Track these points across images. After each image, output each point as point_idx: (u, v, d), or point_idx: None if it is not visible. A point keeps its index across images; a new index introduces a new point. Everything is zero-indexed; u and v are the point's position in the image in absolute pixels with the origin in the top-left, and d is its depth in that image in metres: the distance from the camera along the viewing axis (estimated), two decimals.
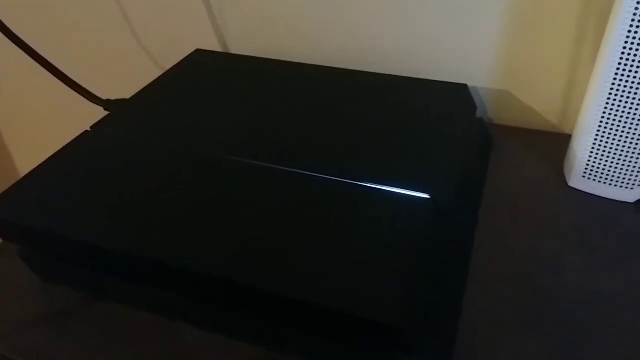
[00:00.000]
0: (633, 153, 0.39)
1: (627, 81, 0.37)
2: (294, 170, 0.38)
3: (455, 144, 0.40)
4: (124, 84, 0.72)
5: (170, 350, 0.33)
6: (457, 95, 0.46)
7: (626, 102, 0.38)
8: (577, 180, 0.43)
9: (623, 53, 0.36)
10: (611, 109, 0.39)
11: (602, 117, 0.39)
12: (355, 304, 0.28)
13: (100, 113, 0.48)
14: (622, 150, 0.40)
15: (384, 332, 0.28)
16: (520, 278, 0.36)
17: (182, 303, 0.35)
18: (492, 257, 0.38)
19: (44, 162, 0.41)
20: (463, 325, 0.33)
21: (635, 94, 0.37)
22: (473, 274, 0.36)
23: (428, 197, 0.35)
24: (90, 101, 0.49)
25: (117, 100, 0.48)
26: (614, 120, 0.39)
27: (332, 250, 0.31)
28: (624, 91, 0.37)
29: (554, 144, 0.48)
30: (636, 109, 0.38)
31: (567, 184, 0.44)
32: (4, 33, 0.44)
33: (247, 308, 0.32)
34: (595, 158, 0.41)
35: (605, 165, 0.41)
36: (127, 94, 0.51)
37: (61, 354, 0.33)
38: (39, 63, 0.46)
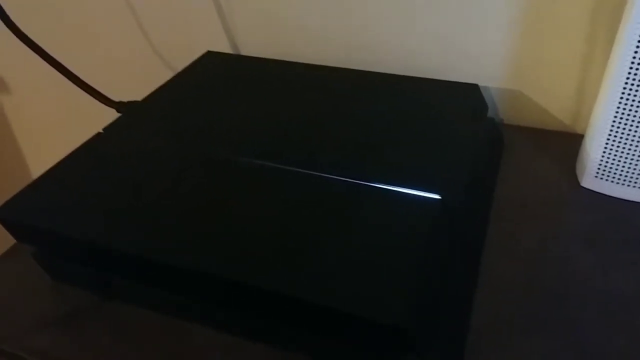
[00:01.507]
0: None
1: (639, 80, 0.37)
2: (304, 171, 0.38)
3: (466, 144, 0.40)
4: (136, 86, 0.73)
5: (177, 350, 0.33)
6: (468, 95, 0.46)
7: (639, 102, 0.37)
8: (589, 180, 0.42)
9: (636, 52, 0.36)
10: (624, 108, 0.38)
11: (615, 116, 0.39)
12: (363, 304, 0.28)
13: (112, 115, 0.48)
14: (636, 150, 0.39)
15: (391, 333, 0.28)
16: (530, 279, 0.36)
17: (190, 303, 0.35)
18: (502, 258, 0.37)
19: (57, 164, 0.41)
20: (471, 326, 0.33)
21: None
22: (482, 274, 0.36)
23: (438, 197, 0.35)
24: (103, 103, 0.49)
25: (129, 102, 0.49)
26: (627, 119, 0.38)
27: (341, 251, 0.31)
28: (637, 90, 0.37)
29: (566, 143, 0.48)
30: None
31: (579, 184, 0.43)
32: (16, 35, 0.44)
33: (254, 308, 0.32)
34: (608, 158, 0.41)
35: (618, 165, 0.40)
36: (139, 96, 0.51)
37: (71, 353, 0.33)
38: (52, 65, 0.47)
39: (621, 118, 0.39)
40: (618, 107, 0.38)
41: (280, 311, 0.31)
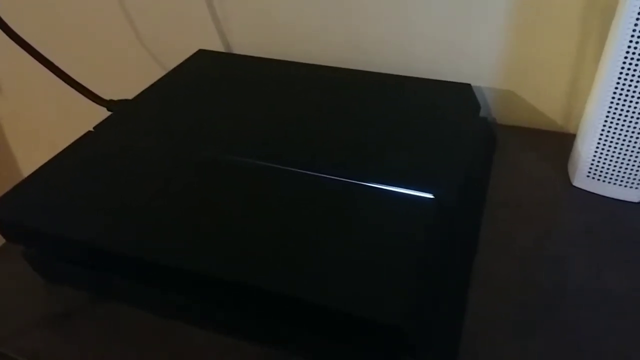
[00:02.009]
0: (638, 152, 0.39)
1: (631, 80, 0.37)
2: (297, 170, 0.38)
3: (459, 143, 0.40)
4: (127, 84, 0.72)
5: (173, 350, 0.33)
6: (461, 95, 0.46)
7: (631, 101, 0.37)
8: (581, 179, 0.43)
9: (627, 52, 0.36)
10: (616, 108, 0.38)
11: (607, 116, 0.39)
12: (358, 304, 0.28)
13: (103, 113, 0.48)
14: (627, 150, 0.39)
15: (387, 332, 0.28)
16: (524, 278, 0.36)
17: (185, 303, 0.35)
18: (495, 257, 0.37)
19: (47, 162, 0.41)
20: (466, 326, 0.33)
21: None
22: (476, 274, 0.36)
23: (431, 197, 0.35)
24: (93, 101, 0.49)
25: (120, 101, 0.48)
26: (619, 119, 0.39)
27: (336, 250, 0.31)
28: (628, 90, 0.37)
29: (558, 143, 0.48)
30: None
31: (571, 183, 0.43)
32: (6, 33, 0.44)
33: (249, 308, 0.32)
34: (600, 157, 0.41)
35: (609, 165, 0.41)
36: (130, 95, 0.51)
37: (65, 354, 0.33)
38: (42, 63, 0.46)
39: (613, 117, 0.39)
40: (610, 107, 0.39)
41: (279, 311, 0.31)
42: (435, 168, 0.37)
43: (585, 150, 0.41)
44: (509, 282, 0.36)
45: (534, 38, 0.48)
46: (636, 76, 0.36)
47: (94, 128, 0.44)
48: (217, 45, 0.62)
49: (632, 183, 0.40)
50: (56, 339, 0.34)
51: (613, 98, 0.38)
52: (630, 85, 0.37)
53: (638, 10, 0.34)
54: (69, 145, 0.42)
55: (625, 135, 0.39)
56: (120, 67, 0.71)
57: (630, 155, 0.39)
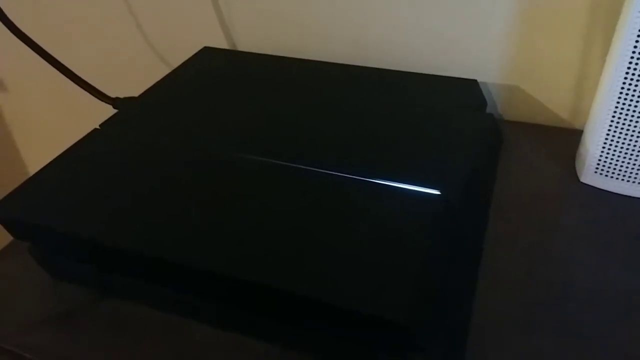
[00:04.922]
0: None
1: (639, 75, 0.37)
2: (303, 167, 0.38)
3: (465, 140, 0.40)
4: (132, 82, 0.72)
5: (179, 348, 0.33)
6: (467, 91, 0.46)
7: (639, 97, 0.37)
8: (588, 176, 0.42)
9: (635, 47, 0.36)
10: (623, 104, 0.38)
11: (614, 112, 0.39)
12: (364, 301, 0.28)
13: (108, 111, 0.48)
14: (635, 145, 0.39)
15: (393, 330, 0.28)
16: (530, 276, 0.36)
17: (191, 301, 0.35)
18: (502, 254, 0.37)
19: (54, 160, 0.41)
20: (473, 324, 0.33)
21: None
22: (483, 271, 0.36)
23: (438, 193, 0.35)
24: (99, 99, 0.49)
25: (125, 99, 0.49)
26: (626, 114, 0.38)
27: (342, 247, 0.31)
28: (636, 85, 0.37)
29: (565, 139, 0.48)
30: None
31: (578, 179, 0.43)
32: (12, 31, 0.44)
33: (255, 306, 0.32)
34: (607, 153, 0.40)
35: (617, 161, 0.40)
36: (136, 92, 0.51)
37: (71, 351, 0.33)
38: (48, 61, 0.46)
39: (620, 113, 0.38)
40: (617, 102, 0.38)
41: (285, 309, 0.31)
42: (442, 164, 0.37)
43: (593, 146, 0.41)
44: (516, 278, 0.35)
45: (541, 33, 0.48)
46: None
47: (100, 126, 0.44)
48: (222, 43, 0.62)
49: None
50: (62, 335, 0.34)
51: (621, 94, 0.38)
52: (638, 81, 0.37)
53: None
54: (76, 143, 0.42)
55: (634, 131, 0.39)
56: (125, 65, 0.71)
57: (639, 151, 0.39)
